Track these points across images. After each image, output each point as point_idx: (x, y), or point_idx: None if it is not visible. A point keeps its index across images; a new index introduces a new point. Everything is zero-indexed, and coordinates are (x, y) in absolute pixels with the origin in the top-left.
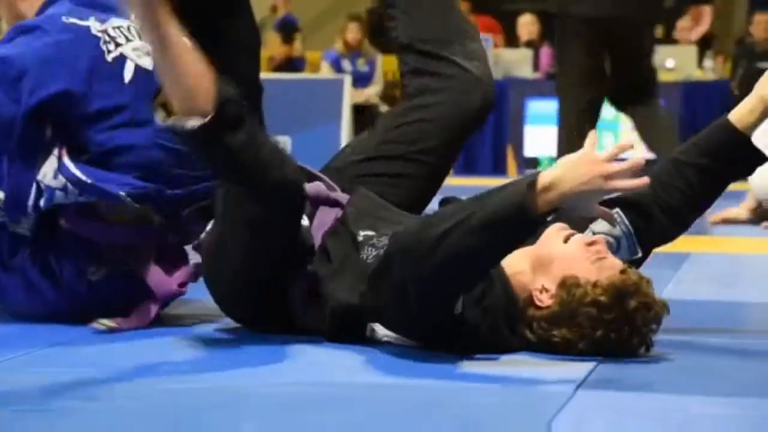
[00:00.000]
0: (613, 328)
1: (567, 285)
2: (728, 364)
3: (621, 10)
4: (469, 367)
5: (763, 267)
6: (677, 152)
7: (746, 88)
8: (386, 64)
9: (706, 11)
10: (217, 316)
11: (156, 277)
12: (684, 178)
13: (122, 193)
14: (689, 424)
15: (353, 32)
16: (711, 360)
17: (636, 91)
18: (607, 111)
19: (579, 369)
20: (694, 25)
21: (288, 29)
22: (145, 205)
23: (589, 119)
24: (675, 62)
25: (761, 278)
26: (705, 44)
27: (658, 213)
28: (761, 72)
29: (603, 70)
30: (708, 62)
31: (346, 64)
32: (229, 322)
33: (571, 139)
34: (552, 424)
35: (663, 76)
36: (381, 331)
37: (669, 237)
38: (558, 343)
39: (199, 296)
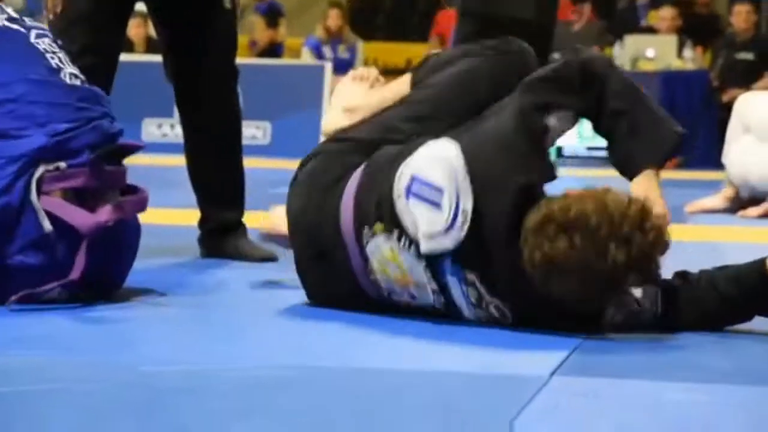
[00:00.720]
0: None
1: None
2: (704, 351)
3: None
4: (442, 350)
5: (740, 255)
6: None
7: (726, 78)
8: (367, 51)
9: None
10: (178, 298)
11: (78, 216)
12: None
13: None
14: (661, 409)
15: (334, 19)
16: (687, 347)
17: None
18: None
19: (555, 355)
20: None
21: (273, 14)
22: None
23: None
24: (655, 52)
25: None
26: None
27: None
28: (741, 62)
29: None
30: (688, 52)
31: (327, 51)
32: (192, 303)
33: None
34: (524, 411)
35: (643, 66)
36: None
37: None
38: None
39: (163, 279)
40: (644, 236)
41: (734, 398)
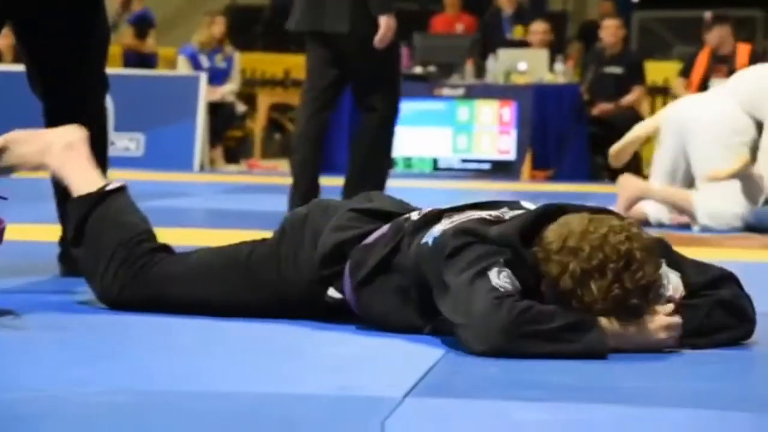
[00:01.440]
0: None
1: None
2: (553, 370)
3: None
4: (296, 373)
5: None
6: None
7: (595, 92)
8: (245, 62)
9: None
10: (36, 318)
11: None
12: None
13: None
14: (508, 428)
15: (220, 25)
16: (537, 366)
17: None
18: (462, 112)
19: (410, 375)
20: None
21: (143, 24)
22: None
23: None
24: (526, 65)
25: None
26: (556, 49)
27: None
28: (609, 76)
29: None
30: (559, 66)
31: (204, 60)
32: (49, 324)
33: None
34: None
35: (515, 79)
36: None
37: None
38: None
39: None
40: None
41: (579, 416)
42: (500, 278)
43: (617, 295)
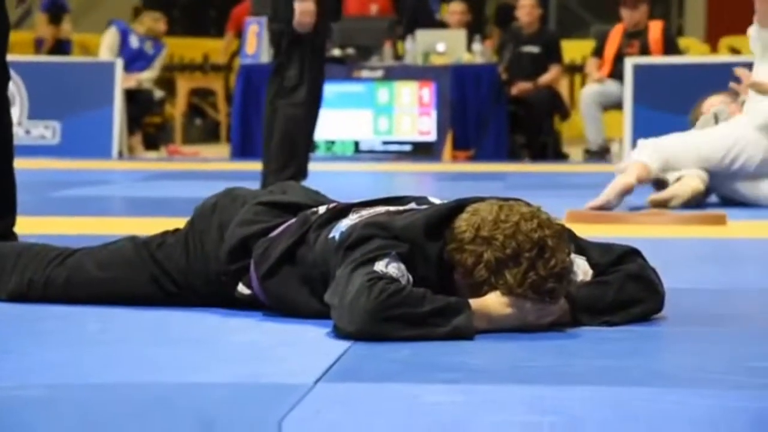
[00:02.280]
0: None
1: None
2: (464, 352)
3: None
4: (207, 362)
5: None
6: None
7: (513, 72)
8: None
9: None
10: None
11: None
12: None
13: None
14: (417, 411)
15: (162, 23)
16: (450, 348)
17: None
18: (382, 94)
19: (322, 361)
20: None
21: (56, 10)
22: None
23: None
24: (445, 46)
25: None
26: (474, 29)
27: None
28: (527, 55)
29: None
30: (477, 46)
31: (134, 40)
32: None
33: None
34: (284, 420)
35: (434, 60)
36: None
37: None
38: None
39: None
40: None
41: (491, 396)
42: (387, 267)
43: (533, 281)
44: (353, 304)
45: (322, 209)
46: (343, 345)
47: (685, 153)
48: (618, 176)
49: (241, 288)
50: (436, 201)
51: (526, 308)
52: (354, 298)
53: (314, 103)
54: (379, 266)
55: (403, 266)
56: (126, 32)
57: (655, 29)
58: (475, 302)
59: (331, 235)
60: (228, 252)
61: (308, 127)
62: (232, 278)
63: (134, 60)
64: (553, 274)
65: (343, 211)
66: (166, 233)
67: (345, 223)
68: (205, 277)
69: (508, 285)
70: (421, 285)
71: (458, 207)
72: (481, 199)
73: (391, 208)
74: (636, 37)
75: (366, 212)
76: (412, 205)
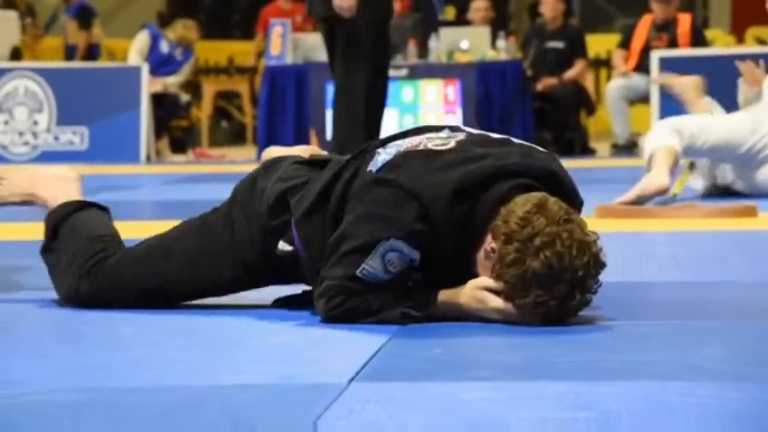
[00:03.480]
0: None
1: None
2: (496, 349)
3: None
4: (238, 364)
5: None
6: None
7: (538, 68)
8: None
9: None
10: None
11: None
12: None
13: None
14: (453, 409)
15: (193, 31)
16: (481, 346)
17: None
18: (407, 93)
19: (355, 361)
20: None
21: (85, 15)
22: None
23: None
24: (469, 43)
25: None
26: (498, 25)
27: None
28: (551, 51)
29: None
30: (501, 42)
31: (164, 45)
32: None
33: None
34: (320, 420)
35: (458, 57)
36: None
37: None
38: None
39: None
40: None
41: (525, 392)
42: (379, 262)
43: (547, 310)
44: (316, 298)
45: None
46: (375, 345)
47: (705, 134)
48: (649, 175)
49: (282, 245)
50: (469, 130)
51: (507, 311)
52: (317, 296)
53: (374, 86)
54: (369, 264)
55: (406, 245)
56: (157, 36)
57: (684, 22)
58: (451, 296)
59: (368, 168)
60: (268, 207)
61: (369, 107)
62: (273, 236)
63: (163, 64)
64: (566, 311)
65: (379, 144)
66: (203, 214)
67: (382, 157)
68: (250, 245)
69: (522, 301)
70: (434, 254)
71: (494, 175)
72: (526, 155)
73: (429, 143)
74: (665, 30)
75: (403, 142)
76: (446, 133)
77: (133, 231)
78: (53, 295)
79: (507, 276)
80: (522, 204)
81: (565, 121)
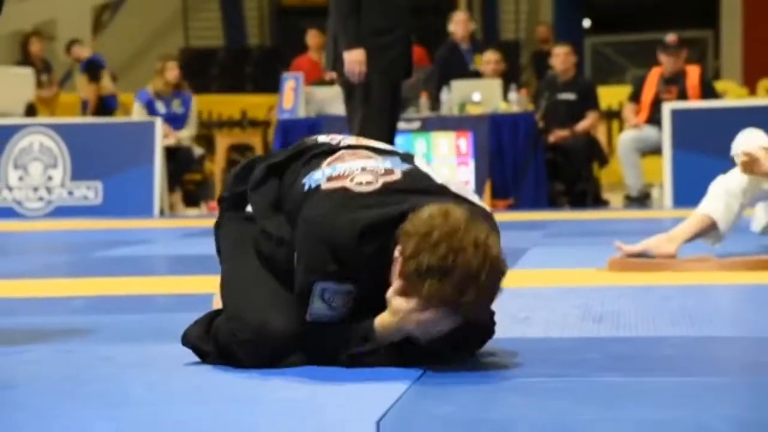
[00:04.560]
0: None
1: None
2: (509, 405)
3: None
4: (249, 420)
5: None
6: None
7: (550, 119)
8: (201, 104)
9: None
10: None
11: None
12: None
13: None
14: None
15: (173, 69)
16: (494, 403)
17: None
18: (420, 145)
19: (365, 418)
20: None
21: (92, 68)
22: None
23: None
24: (481, 95)
25: None
26: (510, 78)
27: None
28: (563, 103)
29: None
30: (513, 95)
31: (160, 106)
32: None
33: None
34: None
35: (470, 110)
36: None
37: None
38: None
39: None
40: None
41: None
42: (319, 304)
43: (438, 297)
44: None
45: (323, 138)
46: (387, 401)
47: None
48: (664, 237)
49: (249, 209)
50: (416, 168)
51: (413, 309)
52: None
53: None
54: (313, 306)
55: (335, 285)
56: (150, 102)
57: (693, 74)
58: (381, 319)
59: (302, 181)
60: (233, 177)
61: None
62: (238, 205)
63: (168, 123)
64: (463, 305)
65: (325, 154)
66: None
67: (317, 176)
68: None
69: (421, 292)
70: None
71: (404, 215)
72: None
73: (360, 173)
74: (674, 83)
75: (337, 169)
76: (384, 167)
77: (148, 286)
78: (65, 348)
79: (405, 270)
80: (428, 209)
81: (577, 172)
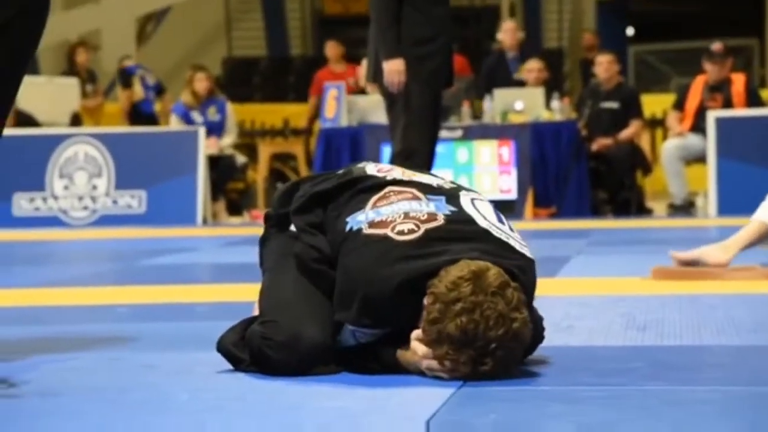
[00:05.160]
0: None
1: None
2: (545, 416)
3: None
4: (295, 430)
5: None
6: None
7: (593, 128)
8: (244, 113)
9: None
10: None
11: None
12: None
13: None
14: None
15: (201, 81)
16: (532, 413)
17: None
18: (462, 154)
19: (412, 427)
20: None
21: (124, 76)
22: None
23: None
24: (523, 104)
25: None
26: (552, 86)
27: None
28: (606, 111)
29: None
30: (555, 103)
31: (197, 116)
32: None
33: None
34: None
35: (512, 118)
36: None
37: None
38: None
39: None
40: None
41: None
42: (347, 336)
43: (453, 363)
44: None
45: (371, 169)
46: (428, 410)
47: None
48: (719, 246)
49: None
50: (462, 209)
51: (427, 357)
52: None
53: (402, 160)
54: (342, 337)
55: (365, 330)
56: (186, 114)
57: (738, 82)
58: (402, 353)
59: (346, 220)
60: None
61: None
62: (283, 224)
63: (208, 132)
64: (478, 374)
65: (374, 189)
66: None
67: (361, 218)
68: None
69: (437, 353)
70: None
71: (437, 270)
72: (489, 253)
73: (400, 222)
74: (719, 91)
75: (385, 212)
76: (428, 212)
77: (191, 294)
78: (110, 356)
79: (427, 330)
80: (460, 268)
81: (620, 181)
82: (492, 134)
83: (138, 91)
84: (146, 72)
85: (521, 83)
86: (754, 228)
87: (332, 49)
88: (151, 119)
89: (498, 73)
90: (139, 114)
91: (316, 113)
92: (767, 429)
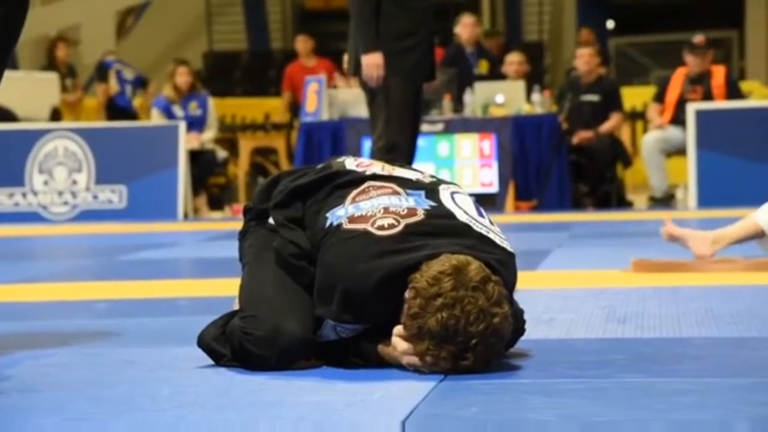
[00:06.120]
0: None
1: None
2: (533, 408)
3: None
4: (276, 425)
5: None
6: None
7: (573, 120)
8: (225, 107)
9: None
10: None
11: None
12: None
13: None
14: None
15: (183, 76)
16: (519, 404)
17: None
18: (443, 147)
19: (389, 421)
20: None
21: (101, 71)
22: None
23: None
24: (504, 97)
25: None
26: (533, 79)
27: None
28: (586, 104)
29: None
30: (536, 96)
31: (178, 110)
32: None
33: None
34: None
35: (493, 112)
36: None
37: None
38: None
39: None
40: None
41: None
42: (329, 331)
43: (433, 359)
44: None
45: (350, 163)
46: (411, 403)
47: None
48: (710, 236)
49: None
50: (441, 204)
51: (408, 353)
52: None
53: (382, 154)
54: (323, 331)
55: (346, 325)
56: (168, 108)
57: (718, 74)
58: (383, 346)
59: (326, 215)
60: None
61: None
62: (262, 218)
63: (189, 127)
64: (458, 369)
65: (353, 183)
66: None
67: (340, 212)
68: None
69: (417, 348)
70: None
71: (420, 263)
72: (470, 248)
73: (380, 217)
74: (699, 83)
75: (360, 208)
76: (416, 201)
77: (172, 289)
78: (90, 351)
79: (408, 326)
80: (441, 263)
81: (601, 174)
82: (473, 128)
83: (113, 85)
84: (124, 66)
85: (481, 78)
86: (748, 226)
87: (302, 43)
88: (126, 113)
89: (458, 68)
90: (115, 107)
91: (291, 108)
92: (745, 418)
